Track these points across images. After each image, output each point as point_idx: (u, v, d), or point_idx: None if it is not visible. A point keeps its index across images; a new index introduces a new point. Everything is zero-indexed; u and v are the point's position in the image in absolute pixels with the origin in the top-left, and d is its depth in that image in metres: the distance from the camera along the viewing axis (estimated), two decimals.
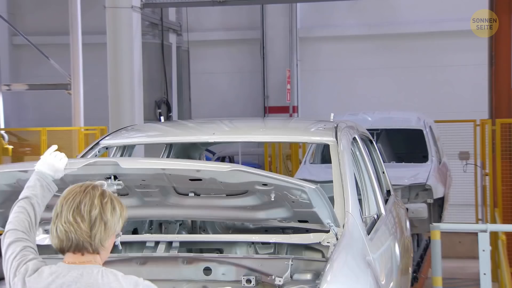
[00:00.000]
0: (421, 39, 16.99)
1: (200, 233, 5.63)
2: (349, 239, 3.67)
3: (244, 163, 14.05)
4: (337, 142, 4.39)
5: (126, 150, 4.95)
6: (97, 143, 4.71)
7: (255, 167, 14.90)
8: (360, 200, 4.47)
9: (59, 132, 13.41)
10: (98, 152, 4.65)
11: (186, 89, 17.76)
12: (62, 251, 2.57)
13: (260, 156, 16.13)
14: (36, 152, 12.99)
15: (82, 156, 4.62)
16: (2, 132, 13.81)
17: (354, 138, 4.85)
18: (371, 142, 5.85)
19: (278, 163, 12.17)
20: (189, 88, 17.90)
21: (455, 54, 16.78)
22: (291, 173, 11.64)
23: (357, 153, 4.84)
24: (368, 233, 4.07)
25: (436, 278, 6.25)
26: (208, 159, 17.20)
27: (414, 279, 8.48)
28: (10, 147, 13.55)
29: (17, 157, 13.41)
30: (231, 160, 15.90)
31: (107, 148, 4.75)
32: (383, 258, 4.19)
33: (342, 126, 4.74)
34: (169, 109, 15.46)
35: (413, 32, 17.01)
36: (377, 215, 4.64)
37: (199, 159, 6.02)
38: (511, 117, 9.49)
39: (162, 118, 5.61)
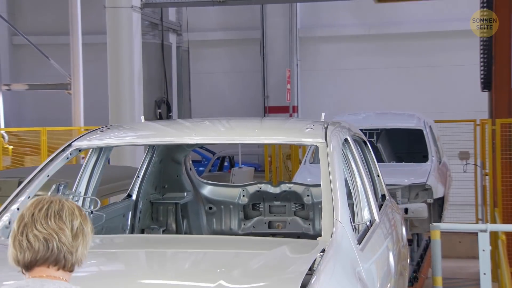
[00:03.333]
0: (421, 39, 17.01)
1: None
2: (338, 250, 3.43)
3: (244, 163, 14.05)
4: (327, 144, 4.12)
5: (103, 152, 4.66)
6: (69, 145, 4.37)
7: (255, 167, 14.83)
8: (352, 206, 4.25)
9: (59, 132, 13.41)
10: (70, 154, 4.32)
11: (186, 89, 17.75)
12: (30, 265, 2.22)
13: (260, 156, 16.13)
14: (36, 152, 12.99)
15: (51, 159, 4.27)
16: (2, 132, 13.81)
17: (346, 139, 4.56)
18: (365, 144, 5.61)
19: (278, 163, 12.17)
20: (189, 88, 17.90)
21: (455, 54, 16.80)
22: (291, 173, 11.64)
23: (349, 155, 4.55)
24: (360, 241, 3.83)
25: (436, 278, 6.25)
26: (208, 159, 17.22)
27: (414, 279, 8.49)
28: (10, 147, 13.55)
29: (17, 157, 13.41)
30: (231, 160, 15.90)
31: (80, 150, 4.40)
32: (376, 268, 3.98)
33: (333, 126, 4.47)
34: (169, 109, 15.45)
35: (413, 32, 17.03)
36: (370, 222, 4.37)
37: (184, 161, 5.84)
38: (511, 117, 9.49)
39: (142, 118, 5.31)
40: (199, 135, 4.49)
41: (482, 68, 9.89)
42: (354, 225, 3.93)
